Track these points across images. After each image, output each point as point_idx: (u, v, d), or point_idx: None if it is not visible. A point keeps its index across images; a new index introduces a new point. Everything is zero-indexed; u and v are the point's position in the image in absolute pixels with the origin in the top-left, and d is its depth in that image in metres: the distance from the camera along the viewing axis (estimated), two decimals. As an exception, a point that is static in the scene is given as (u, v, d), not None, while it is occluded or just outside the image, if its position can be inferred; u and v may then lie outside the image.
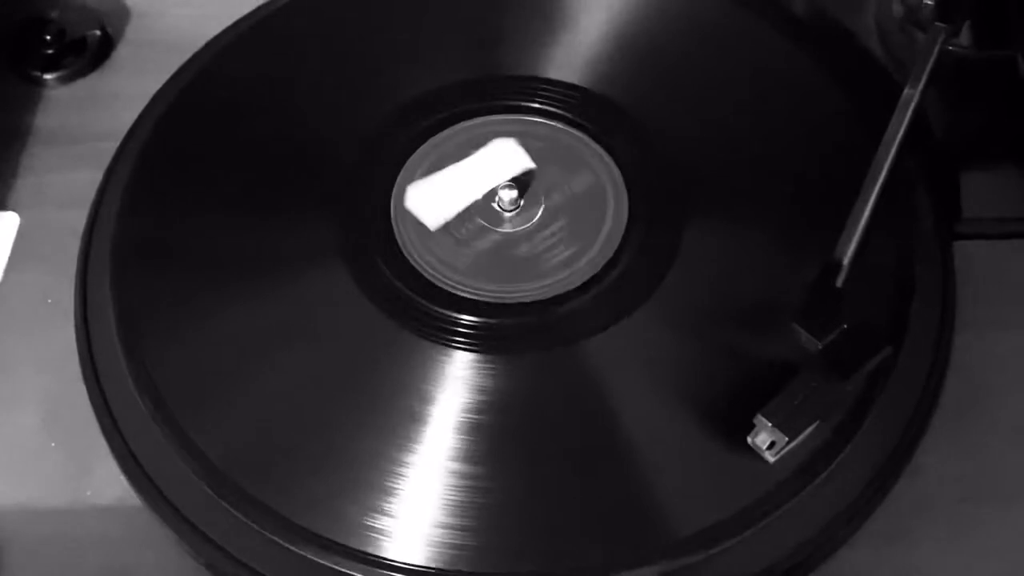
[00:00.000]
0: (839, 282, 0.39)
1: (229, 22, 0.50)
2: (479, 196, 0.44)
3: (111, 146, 0.48)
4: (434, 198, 0.43)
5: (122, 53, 0.53)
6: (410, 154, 0.45)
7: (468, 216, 0.44)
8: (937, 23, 0.45)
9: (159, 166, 0.46)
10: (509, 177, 0.44)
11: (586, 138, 0.45)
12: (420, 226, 0.44)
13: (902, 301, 0.41)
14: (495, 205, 0.44)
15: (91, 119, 0.50)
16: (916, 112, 0.42)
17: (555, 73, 0.47)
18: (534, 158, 0.45)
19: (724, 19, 0.48)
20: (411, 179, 0.45)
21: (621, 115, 0.46)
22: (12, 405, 0.43)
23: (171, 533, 0.39)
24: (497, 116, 0.46)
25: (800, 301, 0.38)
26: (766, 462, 0.36)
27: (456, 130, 0.46)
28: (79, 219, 0.46)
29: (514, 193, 0.44)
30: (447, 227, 0.43)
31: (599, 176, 0.45)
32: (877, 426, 0.39)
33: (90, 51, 0.52)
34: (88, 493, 0.41)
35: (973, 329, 0.43)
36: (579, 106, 0.46)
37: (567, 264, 0.42)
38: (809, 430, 0.37)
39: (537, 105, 0.46)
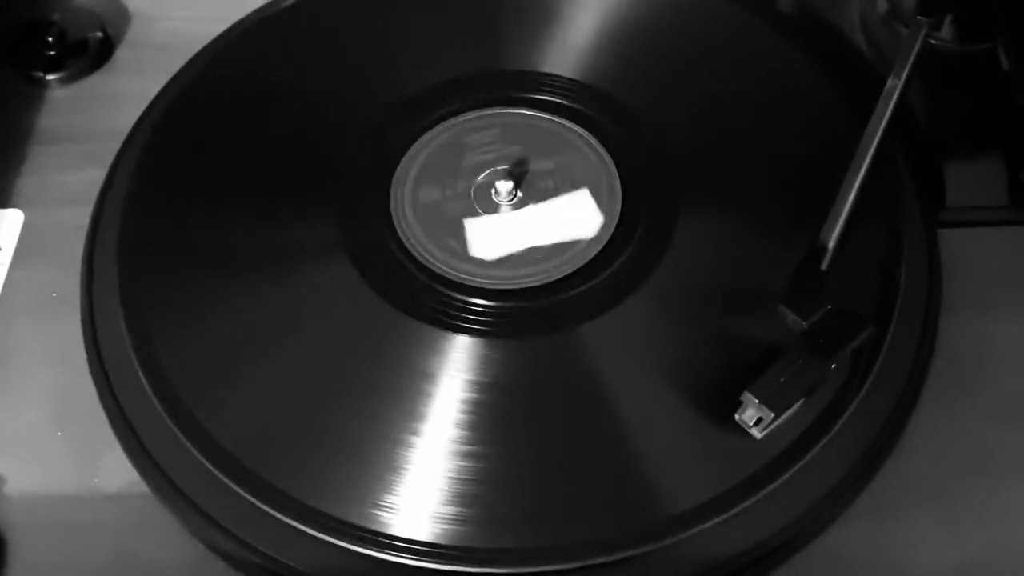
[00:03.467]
0: (824, 265, 0.40)
1: (228, 24, 0.51)
2: (536, 243, 0.44)
3: (112, 145, 0.49)
4: (492, 235, 0.44)
5: (123, 55, 0.53)
6: (409, 146, 0.46)
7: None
8: (919, 17, 0.46)
9: (162, 162, 0.46)
10: (572, 236, 0.44)
11: (580, 129, 0.46)
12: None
13: (890, 287, 0.42)
14: (493, 197, 0.45)
15: (92, 119, 0.51)
16: (899, 103, 0.43)
17: (550, 67, 0.48)
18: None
19: (714, 14, 0.49)
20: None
21: (615, 107, 0.47)
22: (19, 396, 0.43)
23: (179, 519, 0.40)
24: (494, 110, 0.47)
25: (787, 284, 0.39)
26: (753, 438, 0.37)
27: (453, 123, 0.47)
28: (81, 216, 0.47)
29: (509, 184, 0.44)
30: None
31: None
32: (866, 406, 0.40)
33: (91, 53, 0.53)
34: (95, 481, 0.41)
35: (958, 314, 0.44)
36: (574, 99, 0.47)
37: (577, 242, 0.43)
38: (795, 407, 0.38)
39: (533, 99, 0.47)
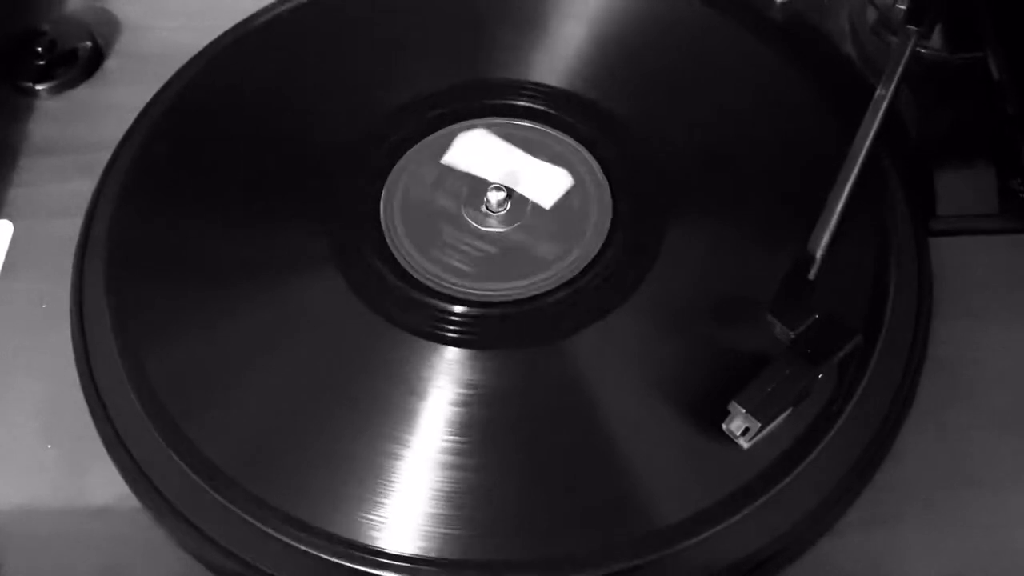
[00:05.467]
0: (812, 274, 0.40)
1: (217, 34, 0.51)
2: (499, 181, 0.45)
3: (102, 156, 0.48)
4: (473, 151, 0.43)
5: (112, 65, 0.53)
6: (399, 158, 0.46)
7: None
8: (908, 26, 0.46)
9: (152, 173, 0.46)
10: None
11: (569, 139, 0.46)
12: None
13: (880, 296, 0.42)
14: (483, 208, 0.45)
15: (82, 129, 0.51)
16: (888, 111, 0.44)
17: (539, 76, 0.48)
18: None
19: (703, 24, 0.49)
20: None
21: (603, 116, 0.47)
22: (8, 409, 0.43)
23: (168, 532, 0.40)
24: (483, 119, 0.47)
25: (775, 293, 0.40)
26: (740, 448, 0.37)
27: (442, 133, 0.47)
28: (71, 227, 0.47)
29: (501, 195, 0.45)
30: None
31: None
32: (857, 416, 0.40)
33: (81, 63, 0.53)
34: (85, 494, 0.41)
35: (949, 322, 0.44)
36: (562, 108, 0.47)
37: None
38: (782, 417, 0.38)
39: (521, 107, 0.47)
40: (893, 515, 0.40)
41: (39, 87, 0.52)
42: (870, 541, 0.40)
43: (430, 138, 0.47)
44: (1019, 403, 0.42)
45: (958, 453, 0.41)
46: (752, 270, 0.42)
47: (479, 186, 0.45)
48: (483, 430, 0.39)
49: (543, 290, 0.43)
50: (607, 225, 0.44)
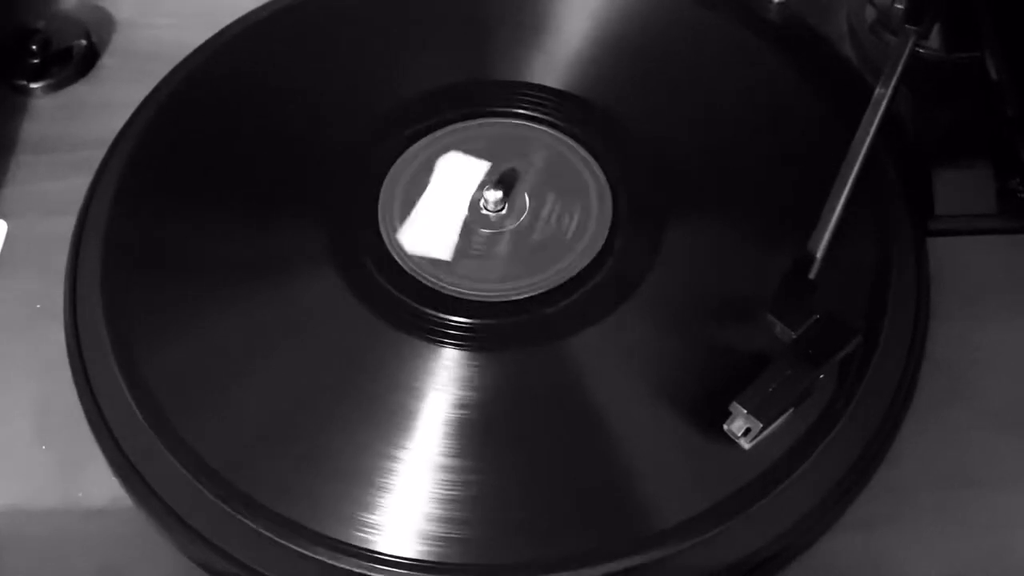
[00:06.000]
0: (812, 274, 0.40)
1: (213, 32, 0.51)
2: (465, 211, 0.44)
3: (96, 154, 0.48)
4: (429, 233, 0.44)
5: (108, 63, 0.53)
6: (397, 158, 0.46)
7: (471, 231, 0.45)
8: (907, 26, 0.46)
9: (147, 172, 0.46)
10: (479, 183, 0.44)
11: (570, 140, 0.46)
12: (405, 225, 0.44)
13: (879, 295, 0.42)
14: (481, 208, 0.45)
15: (77, 128, 0.51)
16: (887, 111, 0.43)
17: (538, 78, 0.48)
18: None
19: (702, 24, 0.49)
20: (396, 188, 0.45)
21: (603, 118, 0.47)
22: (2, 409, 0.43)
23: (163, 532, 0.40)
24: (482, 120, 0.47)
25: (775, 293, 0.39)
26: (742, 449, 0.37)
27: (440, 134, 0.47)
28: (65, 226, 0.47)
29: (499, 193, 0.44)
30: (460, 250, 0.44)
31: (583, 177, 0.45)
32: (856, 416, 0.40)
33: (76, 61, 0.52)
34: (80, 495, 0.41)
35: (947, 322, 0.44)
36: (562, 109, 0.47)
37: (564, 253, 0.43)
38: (783, 417, 0.38)
39: (521, 109, 0.47)
40: (893, 515, 0.40)
41: (34, 85, 0.52)
42: (870, 541, 0.40)
43: (429, 138, 0.47)
44: (1018, 403, 0.42)
45: (957, 453, 0.41)
46: (752, 270, 0.42)
47: (477, 186, 0.45)
48: (482, 432, 0.39)
49: (542, 291, 0.42)
50: (607, 226, 0.44)
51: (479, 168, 0.45)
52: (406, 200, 0.45)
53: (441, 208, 0.44)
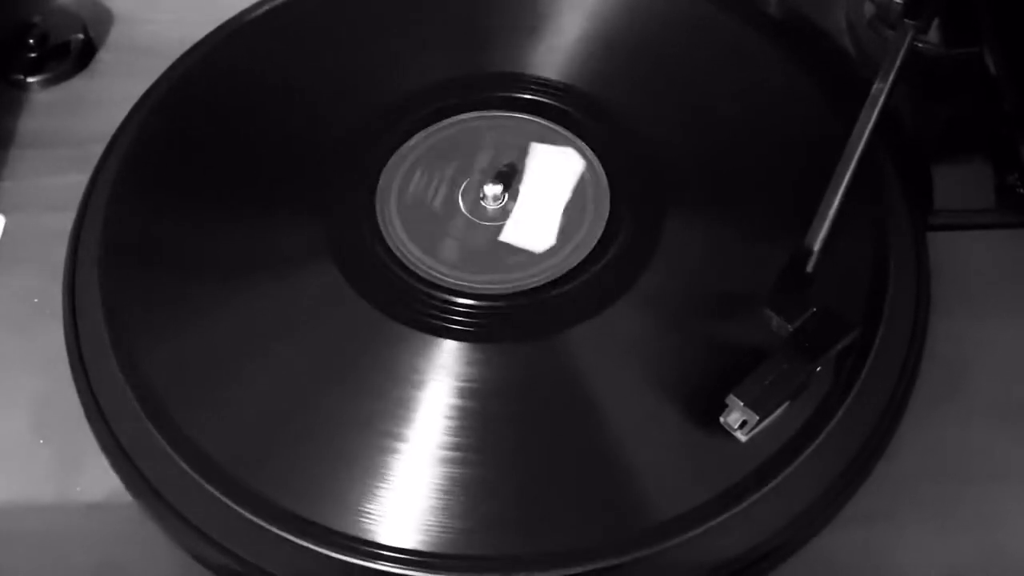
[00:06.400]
0: (810, 268, 0.40)
1: (211, 27, 0.51)
2: (564, 202, 0.44)
3: (94, 149, 0.48)
4: (530, 226, 0.43)
5: (105, 57, 0.53)
6: (395, 151, 0.46)
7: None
8: (906, 20, 0.46)
9: (146, 167, 0.46)
10: (572, 179, 0.44)
11: (568, 133, 0.46)
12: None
13: (878, 290, 0.42)
14: (480, 201, 0.45)
15: (74, 122, 0.51)
16: (885, 106, 0.43)
17: (537, 70, 0.48)
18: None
19: (701, 18, 0.49)
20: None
21: (602, 111, 0.46)
22: (1, 404, 0.43)
23: (162, 527, 0.40)
24: (481, 112, 0.47)
25: (772, 286, 0.39)
26: (738, 442, 0.37)
27: (439, 126, 0.47)
28: (63, 221, 0.46)
29: (498, 188, 0.44)
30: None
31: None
32: (855, 411, 0.40)
33: (73, 55, 0.52)
34: (78, 489, 0.41)
35: (947, 317, 0.44)
36: (561, 102, 0.47)
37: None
38: (780, 410, 0.38)
39: (520, 102, 0.47)
40: (891, 510, 0.40)
41: (31, 80, 0.52)
42: (868, 536, 0.40)
43: (427, 131, 0.47)
44: (1017, 397, 0.42)
45: (956, 447, 0.41)
46: (750, 264, 0.42)
47: (475, 179, 0.45)
48: (480, 424, 0.39)
49: (541, 283, 0.42)
50: (605, 218, 0.44)
51: (567, 156, 0.44)
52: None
53: (539, 200, 0.44)
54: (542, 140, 0.46)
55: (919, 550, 0.39)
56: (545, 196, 0.44)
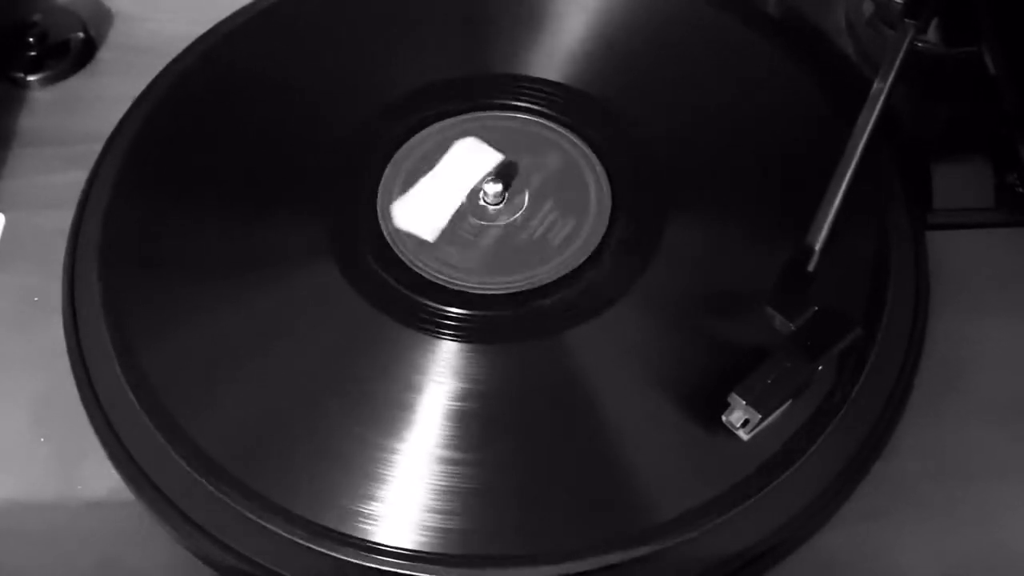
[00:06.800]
0: (811, 267, 0.40)
1: (210, 25, 0.51)
2: (463, 198, 0.45)
3: (94, 147, 0.48)
4: (422, 210, 0.44)
5: (104, 56, 0.53)
6: (396, 151, 0.46)
7: (461, 218, 0.44)
8: (905, 20, 0.46)
9: (145, 165, 0.46)
10: (484, 174, 0.45)
11: (568, 134, 0.46)
12: (417, 237, 0.44)
13: (878, 289, 0.42)
14: (481, 201, 0.45)
15: (74, 121, 0.51)
16: (885, 105, 0.44)
17: (538, 71, 0.48)
18: (516, 153, 0.46)
19: (700, 18, 0.49)
20: (394, 181, 0.45)
21: (602, 111, 0.46)
22: (1, 402, 0.43)
23: (163, 525, 0.40)
24: (481, 113, 0.47)
25: (773, 286, 0.39)
26: (740, 440, 0.37)
27: (439, 127, 0.47)
28: (63, 219, 0.46)
29: (498, 187, 0.44)
30: (444, 234, 0.44)
31: (582, 170, 0.45)
32: (855, 410, 0.40)
33: (73, 54, 0.52)
34: (79, 487, 0.41)
35: (946, 316, 0.44)
36: (561, 103, 0.47)
37: (565, 246, 0.43)
38: (781, 409, 0.38)
39: (521, 103, 0.47)
40: (891, 508, 0.40)
41: (31, 78, 0.51)
42: (868, 534, 0.40)
43: (427, 131, 0.47)
44: (1017, 395, 0.42)
45: (955, 446, 0.41)
46: (750, 263, 0.42)
47: (475, 179, 0.45)
48: (480, 425, 0.39)
49: (541, 284, 0.42)
50: (606, 219, 0.44)
51: (490, 158, 0.45)
52: (404, 193, 0.45)
53: (441, 190, 0.44)
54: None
55: (918, 548, 0.39)
56: (448, 187, 0.44)
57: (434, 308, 0.42)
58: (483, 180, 0.45)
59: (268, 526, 0.38)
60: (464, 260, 0.43)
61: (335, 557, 0.37)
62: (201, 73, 0.49)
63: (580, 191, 0.45)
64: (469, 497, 0.38)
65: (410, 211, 0.44)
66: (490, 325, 0.41)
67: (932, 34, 0.49)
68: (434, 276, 0.43)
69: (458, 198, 0.45)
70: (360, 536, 0.37)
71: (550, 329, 0.41)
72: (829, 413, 0.40)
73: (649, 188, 0.45)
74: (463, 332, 0.41)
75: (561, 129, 0.46)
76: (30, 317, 0.45)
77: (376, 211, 0.44)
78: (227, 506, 0.38)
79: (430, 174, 0.45)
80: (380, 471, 0.38)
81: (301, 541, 0.37)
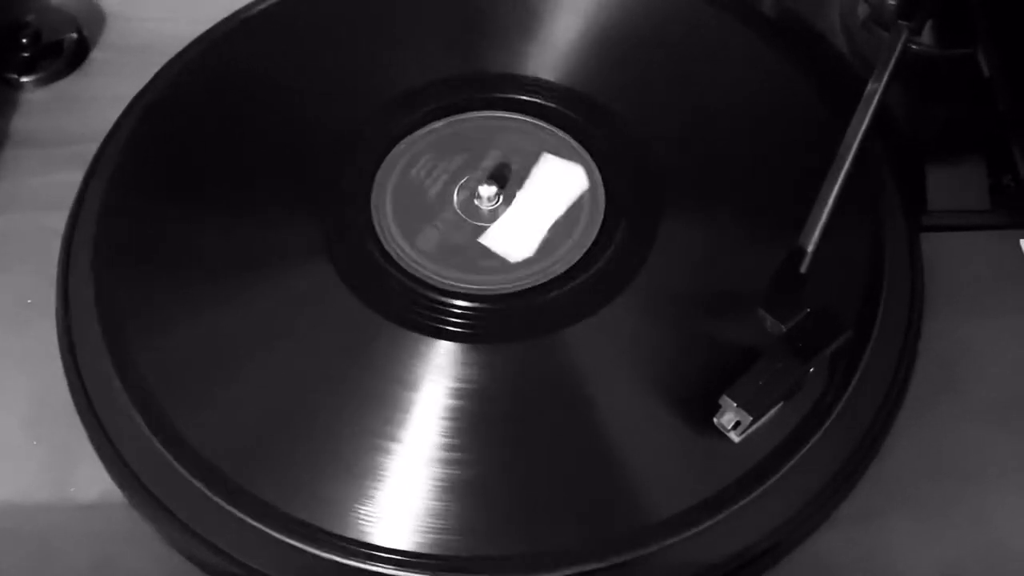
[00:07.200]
0: (803, 268, 0.40)
1: (205, 25, 0.51)
2: (554, 218, 0.44)
3: (87, 148, 0.48)
4: (513, 234, 0.43)
5: (98, 57, 0.53)
6: (390, 150, 0.46)
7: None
8: (900, 21, 0.46)
9: (140, 165, 0.46)
10: (572, 198, 0.44)
11: (563, 133, 0.46)
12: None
13: (872, 291, 0.42)
14: (475, 201, 0.45)
15: (67, 122, 0.51)
16: (879, 107, 0.44)
17: (534, 71, 0.48)
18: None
19: (696, 19, 0.49)
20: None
21: (598, 111, 0.46)
22: (-6, 404, 0.43)
23: (156, 527, 0.39)
24: (476, 112, 0.47)
25: (766, 287, 0.39)
26: (732, 442, 0.37)
27: (435, 127, 0.47)
28: (57, 221, 0.46)
29: (493, 189, 0.44)
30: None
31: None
32: (849, 411, 0.40)
33: (66, 54, 0.52)
34: (72, 490, 0.41)
35: (940, 318, 0.44)
36: (557, 102, 0.47)
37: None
38: (773, 411, 0.38)
39: (516, 102, 0.47)
40: (885, 509, 0.40)
41: (24, 79, 0.51)
42: (862, 535, 0.40)
43: (423, 130, 0.46)
44: (1010, 397, 0.42)
45: (949, 447, 0.41)
46: (744, 264, 0.42)
47: (471, 180, 0.45)
48: (476, 425, 0.39)
49: (536, 283, 0.42)
50: (601, 219, 0.44)
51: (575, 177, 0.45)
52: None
53: (532, 208, 0.44)
54: (539, 142, 0.46)
55: (914, 549, 0.39)
56: (538, 207, 0.44)
57: (430, 308, 0.42)
58: (477, 181, 0.45)
59: (260, 528, 0.37)
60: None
61: (331, 560, 0.37)
62: (196, 74, 0.49)
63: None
64: (464, 498, 0.38)
65: (503, 235, 0.43)
66: (485, 325, 0.41)
67: (927, 35, 0.49)
68: (429, 275, 0.43)
69: (550, 216, 0.44)
70: (355, 538, 0.37)
71: (545, 328, 0.41)
72: (822, 415, 0.40)
73: (643, 188, 0.45)
74: (459, 332, 0.41)
75: (556, 129, 0.46)
76: (24, 318, 0.45)
77: (371, 211, 0.44)
78: (219, 508, 0.38)
79: (520, 194, 0.44)
80: (375, 472, 0.38)
81: (296, 543, 0.37)
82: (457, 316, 0.42)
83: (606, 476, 0.38)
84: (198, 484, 0.38)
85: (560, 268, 0.43)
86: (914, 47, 0.48)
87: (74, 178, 0.47)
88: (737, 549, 0.38)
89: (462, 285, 0.42)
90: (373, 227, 0.44)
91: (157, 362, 0.41)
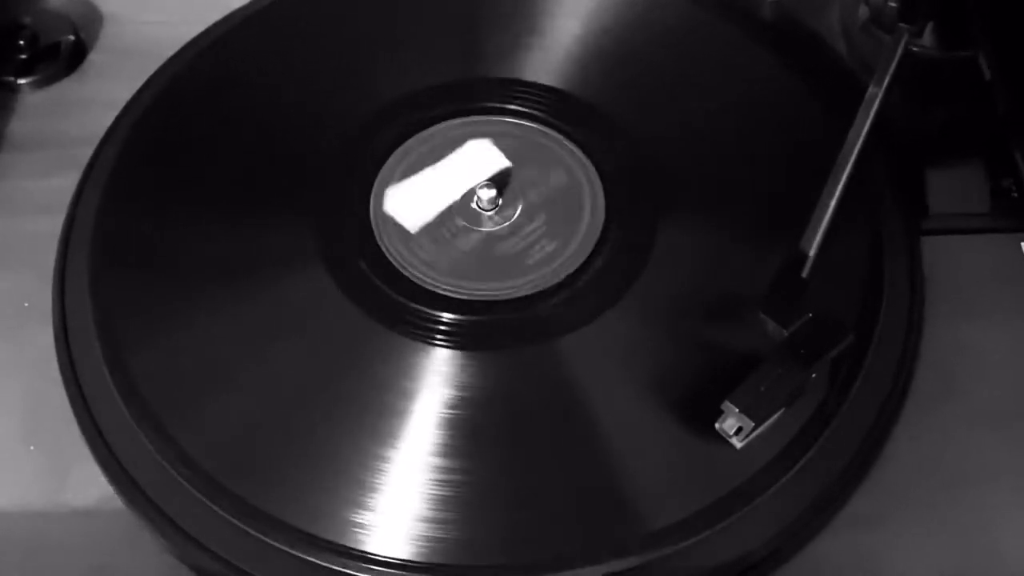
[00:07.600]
0: (804, 273, 0.40)
1: (201, 28, 0.51)
2: (457, 197, 0.44)
3: (84, 151, 0.48)
4: (413, 201, 0.44)
5: (95, 59, 0.53)
6: (388, 155, 0.46)
7: (448, 217, 0.44)
8: (900, 24, 0.46)
9: (136, 169, 0.46)
10: (486, 177, 0.44)
11: (562, 139, 0.46)
12: (400, 226, 0.44)
13: (872, 295, 0.42)
14: (474, 205, 0.44)
15: (65, 124, 0.50)
16: (880, 110, 0.43)
17: (532, 76, 0.48)
18: (511, 158, 0.46)
19: (695, 23, 0.49)
20: (389, 181, 0.45)
21: (597, 116, 0.46)
22: (-10, 409, 0.43)
23: (152, 533, 0.39)
24: (475, 118, 0.47)
25: (767, 292, 0.39)
26: (734, 448, 0.37)
27: (434, 131, 0.46)
28: (53, 224, 0.46)
29: (492, 192, 0.44)
30: (428, 229, 0.44)
31: (576, 175, 0.45)
32: (850, 416, 0.40)
33: (64, 57, 0.52)
34: (68, 495, 0.41)
35: (941, 321, 0.44)
36: (555, 107, 0.47)
37: (547, 260, 0.43)
38: (775, 416, 0.37)
39: (514, 107, 0.47)
40: (886, 514, 0.40)
41: (21, 81, 0.51)
42: (864, 540, 0.40)
43: (421, 135, 0.46)
44: (1010, 401, 0.42)
45: (950, 451, 0.41)
46: (745, 269, 0.42)
47: (469, 185, 0.45)
48: (473, 432, 0.39)
49: (535, 290, 0.42)
50: (600, 225, 0.44)
51: (497, 163, 0.45)
52: (396, 199, 0.45)
53: (437, 186, 0.44)
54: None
55: (913, 554, 0.39)
56: (446, 183, 0.44)
57: (427, 315, 0.41)
58: (479, 184, 0.44)
59: (257, 535, 0.37)
60: (455, 265, 0.43)
61: (327, 567, 0.37)
62: (192, 77, 0.49)
63: (574, 198, 0.45)
64: (460, 506, 0.38)
65: (402, 199, 0.43)
66: (483, 332, 0.41)
67: (927, 38, 0.49)
68: (427, 283, 0.42)
69: (452, 196, 0.44)
70: (352, 545, 0.37)
71: (543, 336, 0.41)
72: (823, 420, 0.39)
73: (643, 193, 0.44)
74: (457, 339, 0.41)
75: (555, 134, 0.46)
76: (20, 323, 0.45)
77: (369, 216, 0.44)
78: (215, 514, 0.38)
79: (433, 167, 0.45)
80: (372, 479, 0.38)
81: (291, 550, 0.37)
82: (455, 323, 0.41)
83: (605, 484, 0.38)
84: (194, 490, 0.38)
85: (560, 274, 0.43)
86: (915, 50, 0.48)
87: (71, 181, 0.47)
88: (738, 555, 0.38)
89: (460, 292, 0.42)
90: (370, 233, 0.44)
91: (154, 367, 0.41)
